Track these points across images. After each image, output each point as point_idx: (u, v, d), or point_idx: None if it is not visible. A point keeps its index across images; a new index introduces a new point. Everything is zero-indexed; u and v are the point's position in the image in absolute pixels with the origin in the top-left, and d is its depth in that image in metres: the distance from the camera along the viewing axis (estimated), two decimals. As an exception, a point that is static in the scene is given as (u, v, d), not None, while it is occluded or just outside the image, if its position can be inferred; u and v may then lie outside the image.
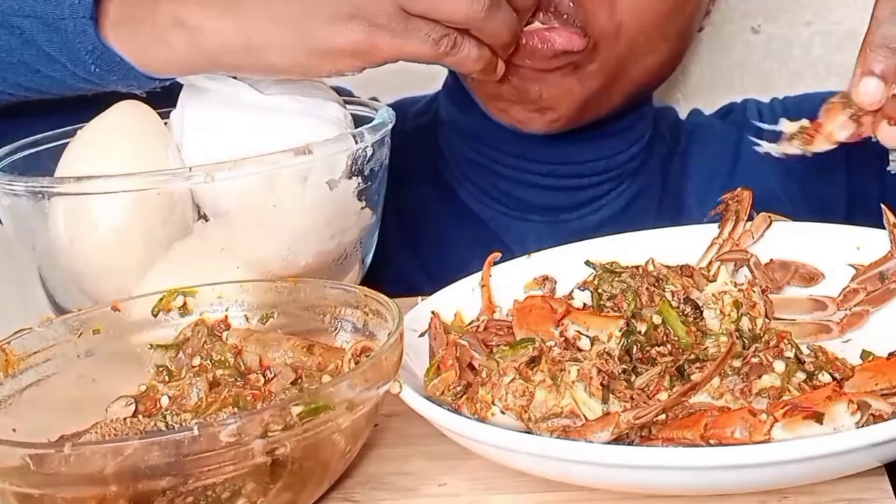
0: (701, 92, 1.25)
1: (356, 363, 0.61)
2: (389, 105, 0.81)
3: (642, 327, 0.65)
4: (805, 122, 0.66)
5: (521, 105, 0.90)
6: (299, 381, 0.63)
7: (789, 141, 0.66)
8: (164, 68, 0.73)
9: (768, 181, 0.98)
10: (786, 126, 0.66)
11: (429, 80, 1.13)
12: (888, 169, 0.67)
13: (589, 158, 0.96)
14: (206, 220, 0.74)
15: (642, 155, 1.00)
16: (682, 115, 1.10)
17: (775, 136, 0.67)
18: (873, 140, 0.66)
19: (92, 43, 0.72)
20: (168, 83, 0.76)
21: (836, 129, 0.65)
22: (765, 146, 0.67)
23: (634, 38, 0.88)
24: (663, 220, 0.97)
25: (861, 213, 0.97)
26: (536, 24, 0.86)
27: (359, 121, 0.79)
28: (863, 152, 0.96)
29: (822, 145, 0.66)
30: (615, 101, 0.93)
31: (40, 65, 0.76)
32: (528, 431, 0.58)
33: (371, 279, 0.81)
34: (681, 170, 1.01)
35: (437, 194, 1.01)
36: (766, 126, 0.68)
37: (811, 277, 0.72)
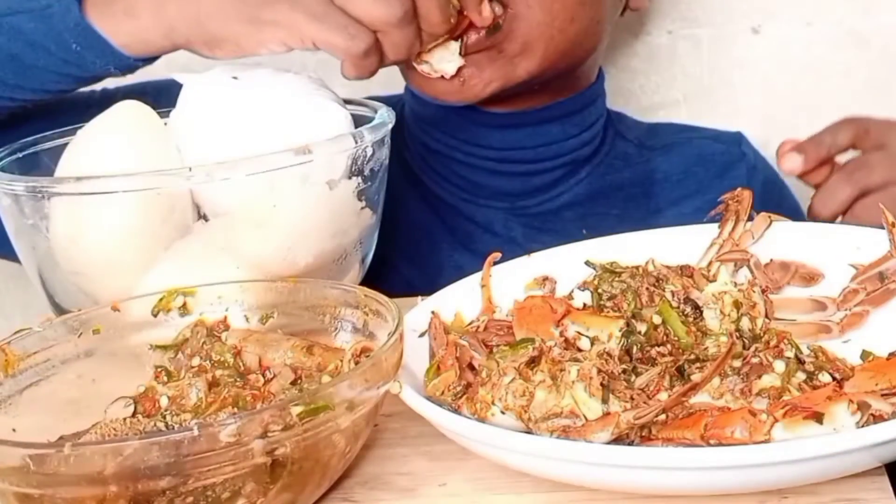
0: (701, 92, 1.25)
1: (356, 363, 0.61)
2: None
3: (642, 327, 0.65)
4: None
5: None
6: (299, 381, 0.63)
7: None
8: (130, 41, 0.80)
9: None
10: None
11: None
12: None
13: (540, 143, 0.99)
14: (206, 220, 0.74)
15: (595, 143, 1.02)
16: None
17: None
18: None
19: (74, 20, 0.79)
20: (136, 68, 0.82)
21: None
22: None
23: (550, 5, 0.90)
24: (630, 211, 0.99)
25: None
26: None
27: (359, 121, 0.79)
28: None
29: None
30: (532, 70, 0.94)
31: (26, 55, 0.81)
32: (528, 431, 0.58)
33: (370, 278, 0.81)
34: (652, 162, 1.03)
35: (406, 185, 1.03)
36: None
37: (811, 277, 0.72)
